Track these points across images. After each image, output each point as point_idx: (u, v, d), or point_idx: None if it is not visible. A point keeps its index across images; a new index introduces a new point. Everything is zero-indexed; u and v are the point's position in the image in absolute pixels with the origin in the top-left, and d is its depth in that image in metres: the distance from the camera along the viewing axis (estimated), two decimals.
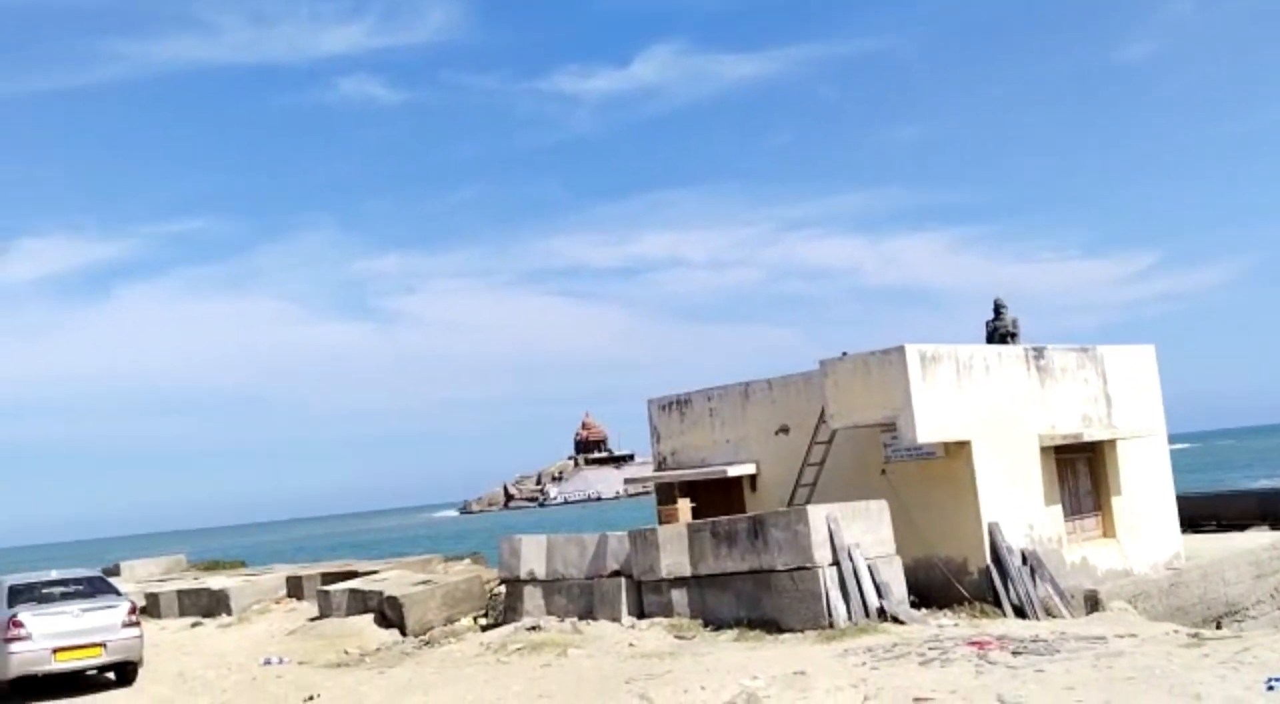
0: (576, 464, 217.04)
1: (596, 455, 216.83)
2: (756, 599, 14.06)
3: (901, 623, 13.45)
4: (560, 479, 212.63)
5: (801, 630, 13.33)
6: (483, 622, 18.63)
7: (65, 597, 16.08)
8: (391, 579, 20.36)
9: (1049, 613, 14.94)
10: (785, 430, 17.85)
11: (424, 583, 19.36)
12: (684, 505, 16.26)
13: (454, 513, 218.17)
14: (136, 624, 16.05)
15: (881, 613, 13.54)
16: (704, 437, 19.10)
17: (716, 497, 18.34)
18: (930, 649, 11.66)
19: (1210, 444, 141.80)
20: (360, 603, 19.30)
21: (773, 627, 13.71)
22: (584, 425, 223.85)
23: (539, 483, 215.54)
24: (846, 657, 11.83)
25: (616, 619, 15.38)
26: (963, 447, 15.40)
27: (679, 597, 14.93)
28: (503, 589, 19.77)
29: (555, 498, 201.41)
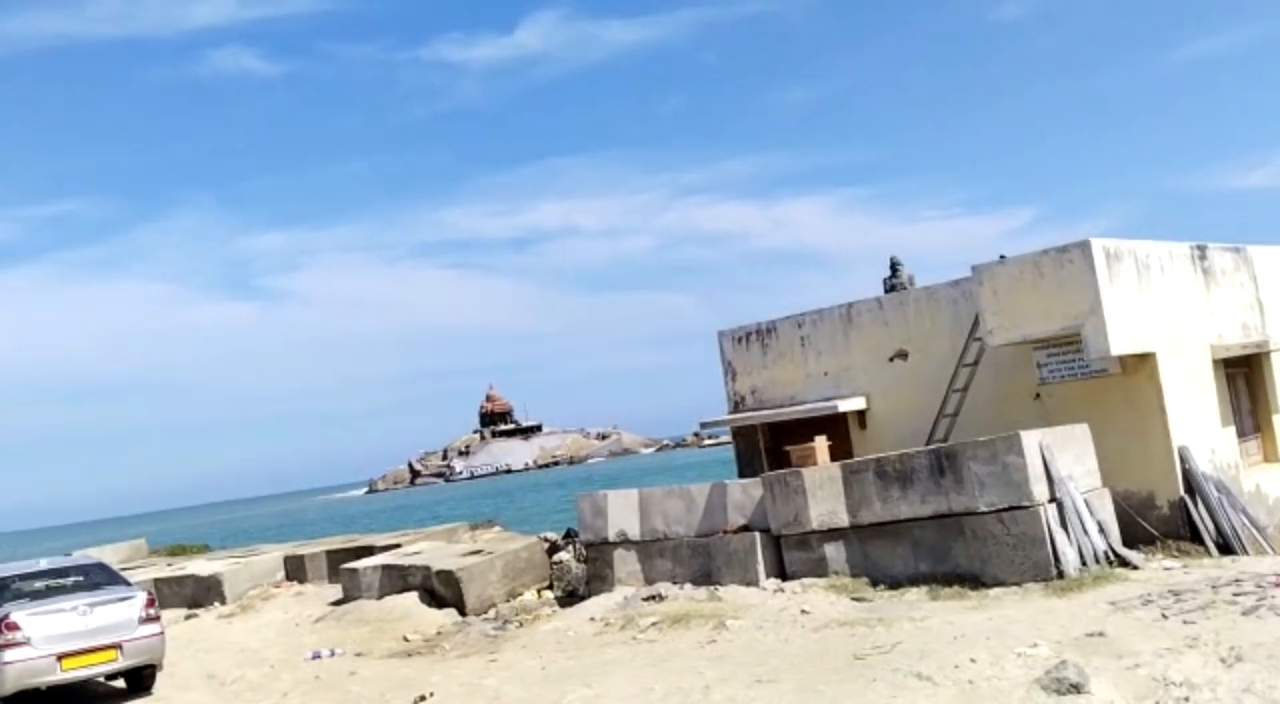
0: (483, 437, 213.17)
1: (503, 427, 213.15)
2: (944, 549, 11.73)
3: (1134, 567, 11.28)
4: (467, 453, 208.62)
5: (1018, 583, 11.05)
6: (549, 595, 16.02)
7: (64, 590, 13.01)
8: (429, 552, 17.56)
9: (1249, 549, 12.96)
10: (903, 356, 15.54)
11: (474, 554, 16.62)
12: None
13: (358, 493, 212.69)
14: (156, 619, 13.09)
15: (1109, 557, 11.34)
16: (794, 370, 16.68)
17: (812, 437, 15.93)
18: (1235, 595, 9.48)
19: None
20: (398, 581, 16.49)
21: (971, 581, 11.41)
22: (488, 398, 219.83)
23: (445, 458, 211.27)
24: (1127, 611, 9.59)
25: (752, 583, 12.92)
26: (1145, 360, 13.26)
27: (834, 552, 12.52)
28: (564, 557, 17.19)
29: (462, 472, 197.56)
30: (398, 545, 18.89)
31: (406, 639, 14.52)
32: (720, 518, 13.63)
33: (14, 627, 12.05)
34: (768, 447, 16.93)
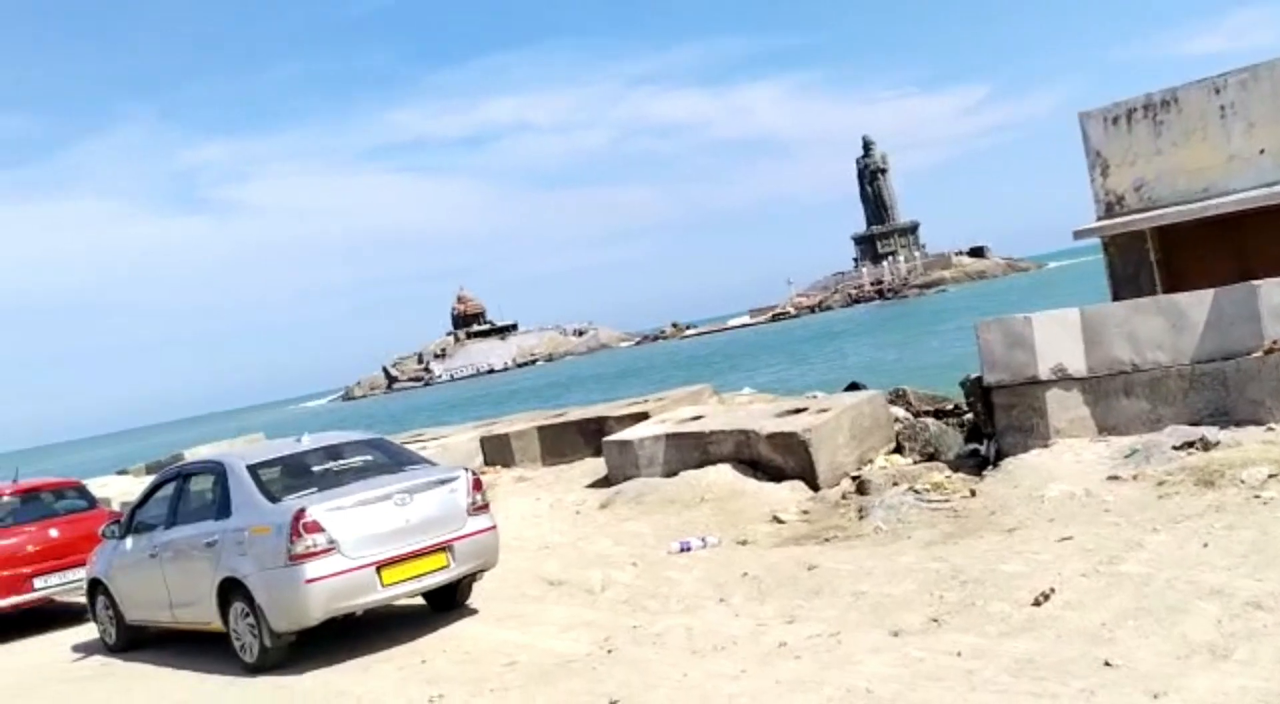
0: (458, 339, 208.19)
1: (478, 328, 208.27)
2: None
3: None
4: (444, 356, 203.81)
5: None
6: (900, 459, 12.29)
7: (358, 473, 9.08)
8: (718, 416, 13.70)
9: None
10: None
11: (796, 413, 12.78)
12: None
13: (326, 401, 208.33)
14: (487, 508, 9.23)
15: None
16: (1208, 152, 12.77)
17: (1233, 242, 12.15)
18: None
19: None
20: (692, 452, 12.71)
21: None
22: (460, 299, 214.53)
23: (421, 362, 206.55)
24: None
25: None
26: None
27: None
28: (901, 413, 13.48)
29: (441, 376, 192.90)
30: (643, 415, 14.98)
31: (779, 520, 10.77)
32: (1244, 334, 9.82)
33: (315, 528, 8.14)
34: (1159, 258, 13.13)
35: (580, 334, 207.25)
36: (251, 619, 8.41)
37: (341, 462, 9.13)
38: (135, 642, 10.21)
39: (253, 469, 8.88)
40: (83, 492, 13.37)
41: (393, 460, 9.31)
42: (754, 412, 13.54)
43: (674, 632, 7.68)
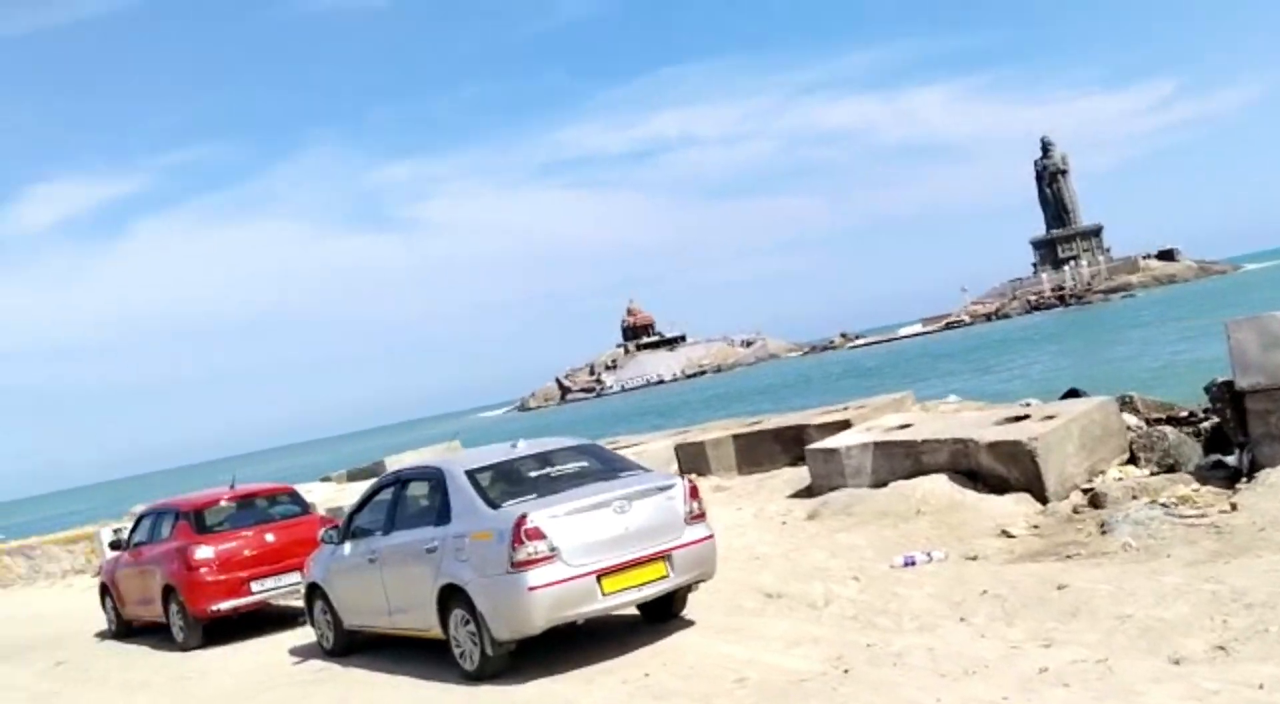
0: (628, 351, 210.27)
1: (648, 340, 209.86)
2: None
3: None
4: (615, 367, 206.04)
5: None
6: (1135, 470, 11.41)
7: (575, 479, 8.88)
8: (926, 424, 13.08)
9: None
10: None
11: (1017, 420, 12.03)
12: None
13: (501, 412, 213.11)
14: (704, 516, 8.88)
15: None
16: None
17: None
18: None
19: None
20: (903, 461, 12.13)
21: None
22: (629, 311, 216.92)
23: (593, 373, 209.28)
24: None
25: None
26: None
27: None
28: (1132, 421, 12.57)
29: (613, 387, 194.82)
30: (844, 423, 14.46)
31: (1008, 535, 10.12)
32: None
33: (537, 535, 7.94)
34: None
35: (748, 345, 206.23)
36: (472, 626, 8.29)
37: (557, 468, 8.95)
38: (351, 646, 10.26)
39: (471, 474, 8.78)
40: (296, 497, 13.66)
41: (607, 467, 9.09)
42: (966, 420, 12.86)
43: (914, 652, 7.18)
